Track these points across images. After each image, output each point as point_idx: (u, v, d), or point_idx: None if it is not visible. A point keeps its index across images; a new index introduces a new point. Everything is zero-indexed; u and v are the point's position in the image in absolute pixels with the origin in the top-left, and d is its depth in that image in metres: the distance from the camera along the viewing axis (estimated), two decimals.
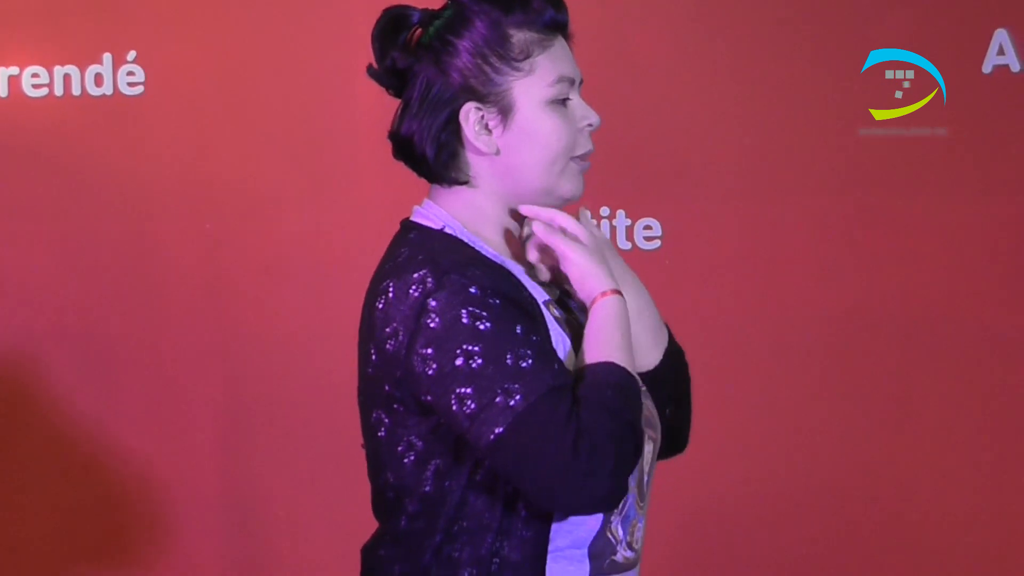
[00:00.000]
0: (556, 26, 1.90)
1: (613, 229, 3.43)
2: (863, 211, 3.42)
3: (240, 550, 3.54)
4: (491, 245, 1.91)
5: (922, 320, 3.42)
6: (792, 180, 3.43)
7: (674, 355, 2.01)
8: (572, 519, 1.84)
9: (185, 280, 3.50)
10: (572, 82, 1.91)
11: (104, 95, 3.47)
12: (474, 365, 1.76)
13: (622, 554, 1.89)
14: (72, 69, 3.46)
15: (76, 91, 3.47)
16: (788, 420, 3.45)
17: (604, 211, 3.41)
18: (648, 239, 3.45)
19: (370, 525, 1.94)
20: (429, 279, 1.79)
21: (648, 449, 1.88)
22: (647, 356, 1.97)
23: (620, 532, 1.88)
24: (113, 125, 3.48)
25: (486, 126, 1.88)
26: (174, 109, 3.48)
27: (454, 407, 1.77)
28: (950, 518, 3.43)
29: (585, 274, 1.87)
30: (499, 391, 1.75)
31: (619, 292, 1.86)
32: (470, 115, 1.87)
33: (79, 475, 3.52)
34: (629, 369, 1.83)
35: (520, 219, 1.93)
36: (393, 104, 1.93)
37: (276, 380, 3.50)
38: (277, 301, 3.49)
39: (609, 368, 1.82)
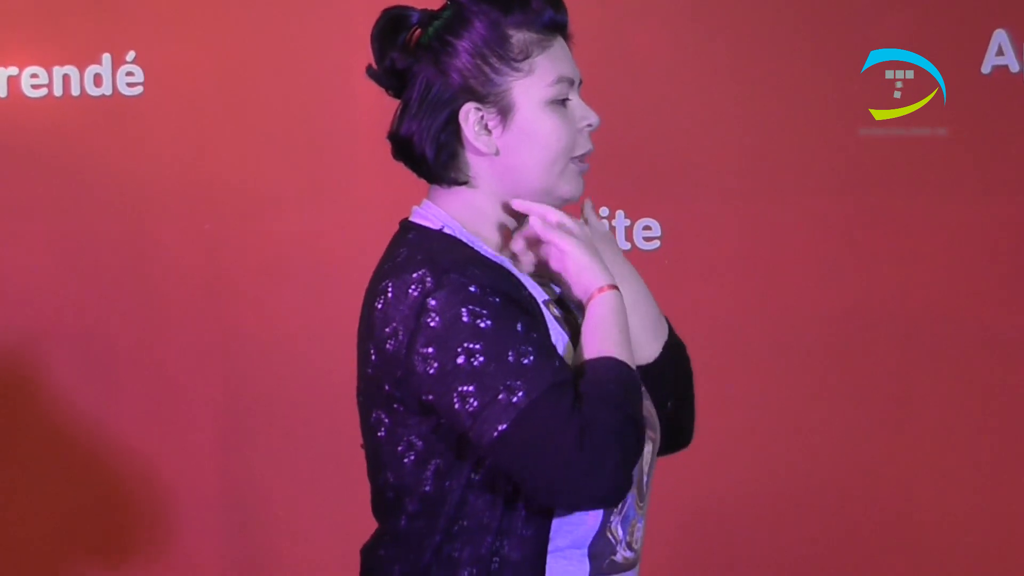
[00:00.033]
0: (555, 26, 1.90)
1: (613, 229, 3.42)
2: (863, 211, 3.42)
3: (240, 550, 3.53)
4: (490, 245, 1.91)
5: (922, 320, 3.42)
6: (792, 180, 3.43)
7: (674, 348, 2.01)
8: (572, 518, 1.84)
9: (184, 280, 3.50)
10: (571, 82, 1.91)
11: (103, 95, 3.47)
12: (476, 363, 1.76)
13: (622, 554, 1.89)
14: (71, 69, 3.46)
15: (75, 91, 3.47)
16: (788, 420, 3.45)
17: (603, 211, 3.41)
18: (647, 239, 3.45)
19: (370, 525, 1.93)
20: (428, 278, 1.79)
21: (647, 449, 1.88)
22: (645, 349, 1.97)
23: (620, 532, 1.88)
24: (112, 125, 3.48)
25: (485, 126, 1.88)
26: (173, 109, 3.48)
27: (456, 405, 1.77)
28: (950, 518, 3.43)
29: (581, 269, 1.87)
30: (502, 388, 1.75)
31: (615, 287, 1.86)
32: (469, 115, 1.87)
33: (79, 475, 3.52)
34: (629, 363, 1.83)
35: (519, 219, 1.93)
36: (393, 104, 1.93)
37: (276, 380, 3.50)
38: (276, 301, 3.49)
39: (609, 363, 1.81)
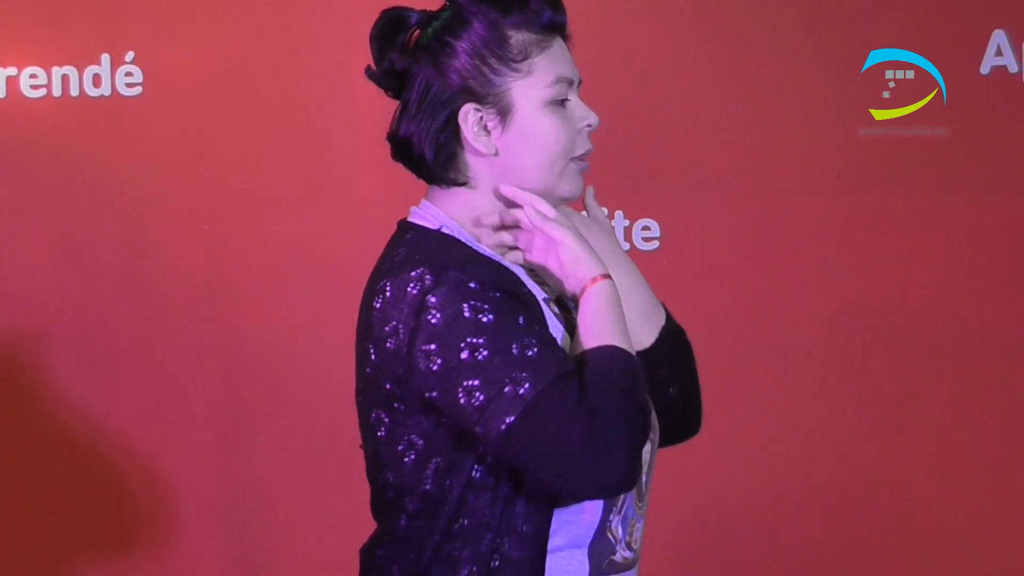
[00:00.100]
0: (554, 27, 1.90)
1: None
2: (863, 211, 3.42)
3: (240, 550, 3.54)
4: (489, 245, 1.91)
5: (922, 320, 3.42)
6: (792, 180, 3.43)
7: (673, 334, 2.01)
8: (570, 516, 1.84)
9: (184, 280, 3.50)
10: (571, 83, 1.91)
11: (102, 96, 3.47)
12: (480, 357, 1.76)
13: (621, 554, 1.89)
14: (70, 70, 3.46)
15: (74, 92, 3.47)
16: (788, 420, 3.45)
17: (603, 212, 3.40)
18: (647, 240, 3.45)
19: (370, 525, 1.93)
20: (427, 276, 1.79)
21: (646, 449, 1.88)
22: (639, 336, 1.96)
23: (619, 532, 1.88)
24: (111, 126, 3.48)
25: (485, 127, 1.88)
26: (172, 110, 3.48)
27: (462, 400, 1.77)
28: (950, 518, 3.43)
29: (576, 259, 1.86)
30: (507, 381, 1.75)
31: (609, 276, 1.86)
32: (469, 116, 1.87)
33: (79, 475, 3.53)
34: (629, 350, 1.83)
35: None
36: (392, 105, 1.92)
37: (276, 380, 3.50)
38: (276, 301, 3.49)
39: (610, 351, 1.81)
